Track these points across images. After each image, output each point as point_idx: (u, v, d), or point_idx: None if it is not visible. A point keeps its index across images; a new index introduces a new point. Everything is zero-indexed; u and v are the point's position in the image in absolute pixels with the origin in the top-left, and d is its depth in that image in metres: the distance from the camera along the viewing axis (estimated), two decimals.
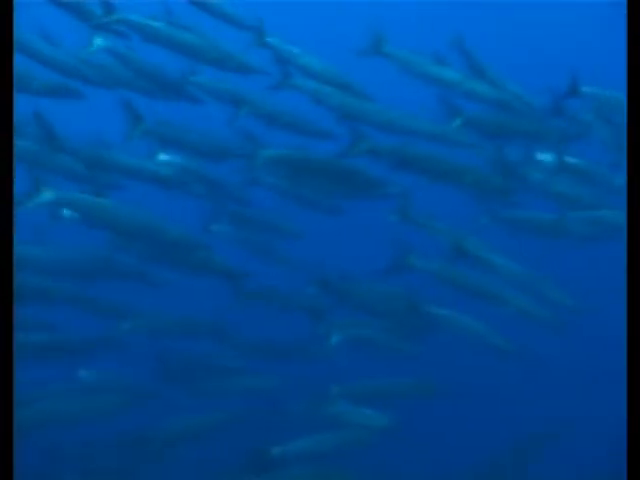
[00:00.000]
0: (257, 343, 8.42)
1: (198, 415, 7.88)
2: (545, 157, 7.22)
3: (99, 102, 7.35)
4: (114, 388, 7.62)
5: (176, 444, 7.78)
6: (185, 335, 8.17)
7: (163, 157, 7.34)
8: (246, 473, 7.16)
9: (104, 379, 7.72)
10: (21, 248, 6.98)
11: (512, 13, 18.44)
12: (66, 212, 6.91)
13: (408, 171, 6.69)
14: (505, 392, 9.70)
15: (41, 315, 7.46)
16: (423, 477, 8.38)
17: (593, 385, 9.52)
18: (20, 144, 7.16)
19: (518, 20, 18.44)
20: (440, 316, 7.48)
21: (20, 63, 6.80)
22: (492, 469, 8.88)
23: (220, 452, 7.70)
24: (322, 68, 7.07)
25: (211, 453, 7.81)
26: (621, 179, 7.21)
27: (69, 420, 7.28)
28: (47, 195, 6.43)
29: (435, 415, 8.50)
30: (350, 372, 7.97)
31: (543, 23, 18.59)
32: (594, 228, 7.20)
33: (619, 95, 6.92)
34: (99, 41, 6.98)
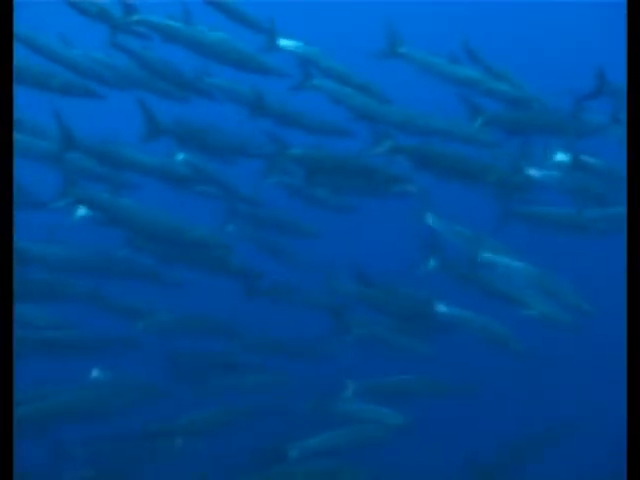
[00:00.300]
0: (270, 341, 8.47)
1: (210, 411, 7.88)
2: (561, 154, 7.22)
3: (117, 102, 7.40)
4: (126, 386, 7.63)
5: (187, 440, 7.80)
6: (198, 333, 8.21)
7: (180, 156, 7.35)
8: (259, 468, 7.18)
9: (117, 377, 7.73)
10: (37, 247, 7.05)
11: (512, 13, 18.43)
12: (82, 211, 6.93)
13: (431, 169, 6.70)
14: (513, 392, 9.70)
15: (58, 313, 7.51)
16: (434, 473, 8.42)
17: (602, 385, 9.52)
18: (41, 144, 7.24)
19: (518, 20, 18.43)
20: (454, 316, 7.48)
21: (39, 63, 6.87)
22: (495, 467, 8.89)
23: (231, 448, 7.72)
24: (341, 69, 7.11)
25: (222, 449, 7.83)
26: None
27: (82, 415, 7.30)
28: (73, 195, 6.47)
29: (445, 413, 8.48)
30: (363, 371, 8.02)
31: (543, 23, 18.59)
32: (611, 224, 7.18)
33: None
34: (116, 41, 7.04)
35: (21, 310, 7.16)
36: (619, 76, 6.34)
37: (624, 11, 4.56)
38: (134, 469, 7.69)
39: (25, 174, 7.32)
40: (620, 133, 7.17)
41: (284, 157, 6.77)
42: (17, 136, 7.24)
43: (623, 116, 7.04)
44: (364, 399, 7.86)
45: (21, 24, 6.96)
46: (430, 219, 7.21)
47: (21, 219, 7.15)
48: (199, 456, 7.82)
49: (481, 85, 7.11)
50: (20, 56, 6.84)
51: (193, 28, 6.77)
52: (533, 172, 6.98)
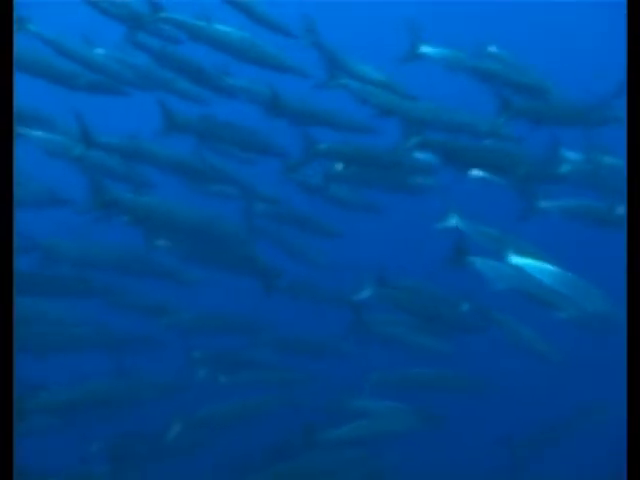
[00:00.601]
0: (289, 339, 8.53)
1: (226, 405, 7.91)
2: (585, 148, 7.21)
3: (131, 101, 7.45)
4: (145, 382, 7.69)
5: (204, 433, 7.83)
6: (218, 331, 8.27)
7: (200, 155, 7.38)
8: (275, 462, 7.22)
9: (136, 373, 7.75)
10: (59, 244, 7.10)
11: (512, 13, 18.46)
12: (108, 211, 6.96)
13: (460, 163, 6.69)
14: (528, 391, 9.70)
15: (80, 311, 7.54)
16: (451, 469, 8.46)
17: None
18: (62, 142, 7.27)
19: (518, 20, 18.45)
20: (478, 316, 7.49)
21: (63, 62, 6.96)
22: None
23: (247, 443, 7.77)
24: (369, 70, 7.13)
25: (238, 444, 7.88)
26: None
27: (98, 409, 7.35)
28: (100, 197, 6.48)
29: (461, 408, 8.48)
30: (381, 370, 8.10)
31: (543, 23, 18.61)
32: None
33: None
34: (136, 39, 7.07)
35: (42, 306, 7.21)
36: (620, 76, 6.34)
37: (624, 11, 4.56)
38: (149, 464, 7.74)
39: (47, 172, 7.39)
40: None
41: (313, 152, 6.79)
42: (38, 134, 7.31)
43: None
44: (384, 393, 7.88)
45: (42, 23, 7.04)
46: (455, 220, 7.18)
47: (43, 216, 7.22)
48: (216, 450, 7.87)
49: (507, 78, 7.06)
50: (44, 54, 6.92)
51: (218, 26, 6.81)
52: (561, 166, 6.97)
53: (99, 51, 7.41)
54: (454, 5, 18.78)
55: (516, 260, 6.71)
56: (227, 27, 6.86)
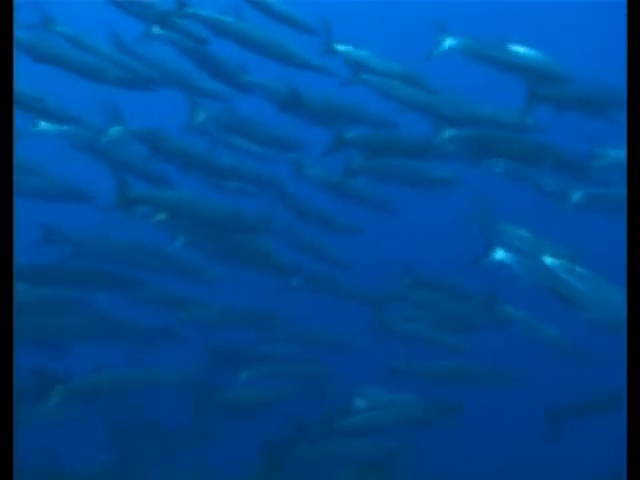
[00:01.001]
0: (310, 334, 8.56)
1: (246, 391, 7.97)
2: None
3: (148, 99, 7.47)
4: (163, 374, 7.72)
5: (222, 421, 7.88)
6: (237, 326, 8.29)
7: (219, 150, 7.36)
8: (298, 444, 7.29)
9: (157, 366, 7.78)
10: (82, 238, 7.11)
11: (514, 13, 18.44)
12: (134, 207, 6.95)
13: (486, 156, 6.68)
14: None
15: (104, 303, 7.55)
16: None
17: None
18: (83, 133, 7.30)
19: (518, 20, 18.44)
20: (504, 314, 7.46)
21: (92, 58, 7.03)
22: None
23: (269, 429, 7.75)
24: (391, 66, 7.12)
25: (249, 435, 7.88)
26: None
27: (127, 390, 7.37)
28: (125, 193, 6.45)
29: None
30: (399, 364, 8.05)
31: (543, 23, 18.60)
32: None
33: None
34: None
35: (65, 297, 7.23)
36: (620, 76, 6.33)
37: (624, 11, 4.55)
38: (168, 451, 7.83)
39: (72, 168, 7.40)
40: None
41: (340, 141, 6.76)
42: (64, 128, 7.35)
43: None
44: (401, 385, 7.89)
45: (66, 21, 7.07)
46: (482, 217, 7.16)
47: (64, 210, 7.23)
48: (233, 437, 7.90)
49: (534, 68, 7.00)
50: (72, 49, 6.93)
51: (242, 24, 6.83)
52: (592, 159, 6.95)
53: (120, 47, 7.44)
54: (453, 6, 18.75)
55: (548, 259, 6.67)
56: (250, 24, 6.88)
